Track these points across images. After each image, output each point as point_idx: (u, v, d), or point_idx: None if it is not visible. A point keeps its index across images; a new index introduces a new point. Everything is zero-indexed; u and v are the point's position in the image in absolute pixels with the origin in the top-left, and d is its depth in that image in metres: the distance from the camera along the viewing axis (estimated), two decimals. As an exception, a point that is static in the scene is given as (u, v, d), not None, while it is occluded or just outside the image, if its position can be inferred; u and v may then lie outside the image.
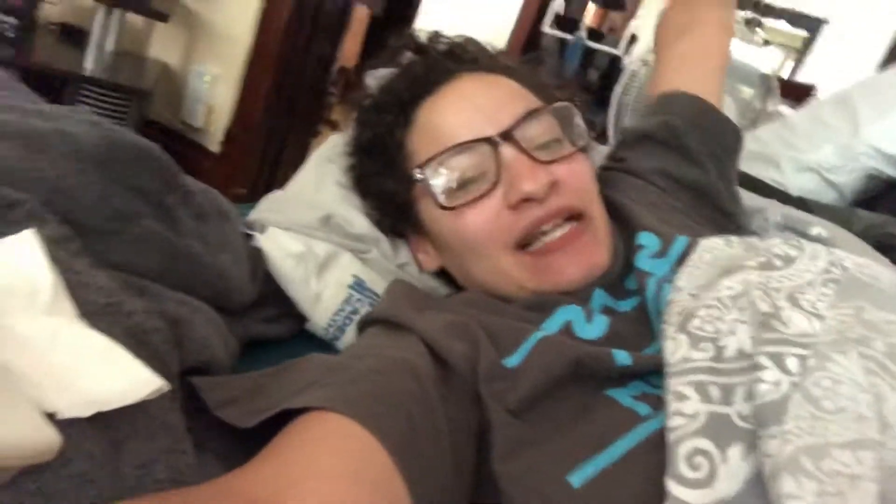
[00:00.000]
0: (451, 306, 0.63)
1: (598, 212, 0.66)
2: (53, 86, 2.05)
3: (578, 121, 0.67)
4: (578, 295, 0.61)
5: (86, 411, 0.36)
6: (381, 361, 0.50)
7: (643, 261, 0.62)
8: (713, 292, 0.50)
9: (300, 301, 0.71)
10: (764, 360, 0.41)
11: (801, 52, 3.53)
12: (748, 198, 0.94)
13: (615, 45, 3.01)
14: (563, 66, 3.02)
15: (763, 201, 0.95)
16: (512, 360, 0.53)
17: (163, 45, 2.52)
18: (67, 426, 0.35)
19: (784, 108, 1.53)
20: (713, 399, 0.42)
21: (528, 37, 3.08)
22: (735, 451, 0.39)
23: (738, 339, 0.45)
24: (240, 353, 0.62)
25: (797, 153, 1.19)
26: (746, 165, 1.10)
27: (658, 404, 0.47)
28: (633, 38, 2.94)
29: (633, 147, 0.80)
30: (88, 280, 0.45)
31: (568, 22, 3.12)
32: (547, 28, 3.01)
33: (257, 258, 0.69)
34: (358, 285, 0.74)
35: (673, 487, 0.39)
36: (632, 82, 1.46)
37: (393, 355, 0.51)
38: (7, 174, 0.47)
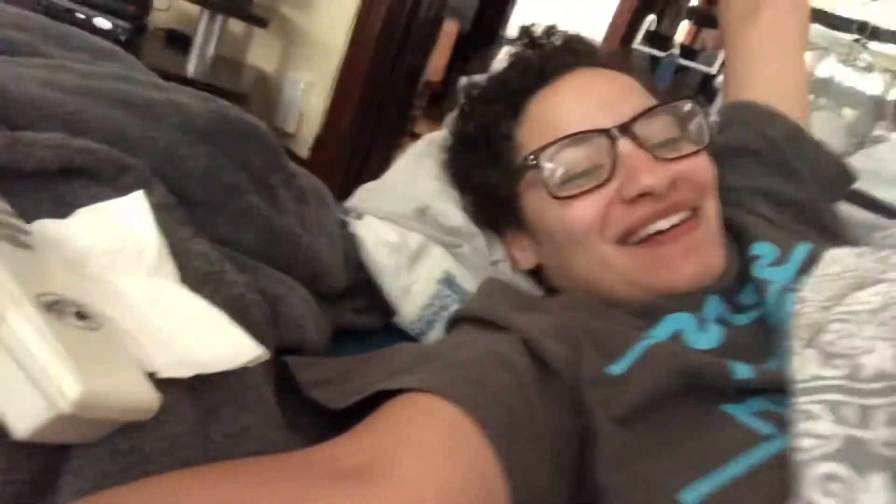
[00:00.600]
0: (550, 308, 0.60)
1: (714, 211, 0.62)
2: (158, 88, 2.15)
3: (701, 120, 0.63)
4: (690, 301, 0.57)
5: (186, 372, 0.35)
6: (477, 353, 0.48)
7: (762, 270, 0.57)
8: (846, 305, 0.46)
9: (390, 291, 0.69)
10: None
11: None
12: (866, 217, 0.88)
13: (709, 63, 2.91)
14: (654, 83, 2.95)
15: (885, 221, 0.88)
16: (616, 368, 0.50)
17: (260, 52, 2.60)
18: (164, 388, 0.34)
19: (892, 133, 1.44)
20: (849, 421, 0.38)
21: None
22: (877, 480, 0.35)
23: (878, 356, 0.41)
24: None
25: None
26: (863, 184, 1.03)
27: (782, 423, 0.43)
28: (730, 58, 2.84)
29: (730, 160, 0.74)
30: (192, 247, 0.45)
31: (660, 38, 3.05)
32: (638, 44, 2.94)
33: (350, 246, 0.68)
34: (447, 280, 0.71)
35: None
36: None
37: (489, 348, 0.49)
38: (121, 139, 0.47)
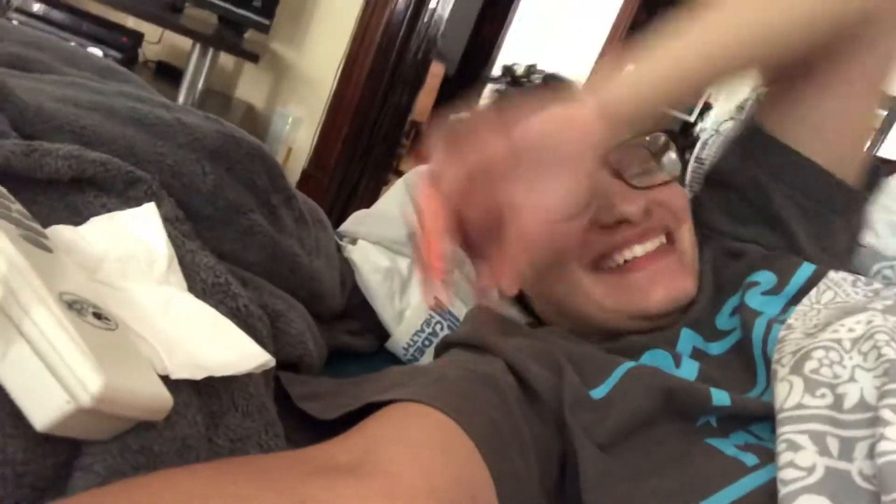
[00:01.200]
0: (535, 334, 0.62)
1: (688, 239, 0.64)
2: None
3: (672, 154, 0.66)
4: (665, 337, 0.58)
5: (197, 374, 0.36)
6: (465, 372, 0.49)
7: (754, 298, 0.58)
8: (831, 332, 0.46)
9: (385, 316, 0.70)
10: (887, 415, 0.37)
11: (883, 131, 3.48)
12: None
13: (687, 111, 3.00)
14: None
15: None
16: (598, 392, 0.51)
17: (249, 87, 2.63)
18: (175, 390, 0.35)
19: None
20: (832, 452, 0.39)
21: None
22: None
23: (859, 386, 0.41)
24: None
25: (894, 216, 1.14)
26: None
27: (766, 456, 0.43)
28: (707, 106, 2.93)
29: (713, 192, 0.72)
30: (199, 259, 0.46)
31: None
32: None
33: (346, 269, 0.69)
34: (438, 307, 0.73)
35: None
36: (701, 152, 1.44)
37: (476, 369, 0.50)
38: (131, 155, 0.49)
